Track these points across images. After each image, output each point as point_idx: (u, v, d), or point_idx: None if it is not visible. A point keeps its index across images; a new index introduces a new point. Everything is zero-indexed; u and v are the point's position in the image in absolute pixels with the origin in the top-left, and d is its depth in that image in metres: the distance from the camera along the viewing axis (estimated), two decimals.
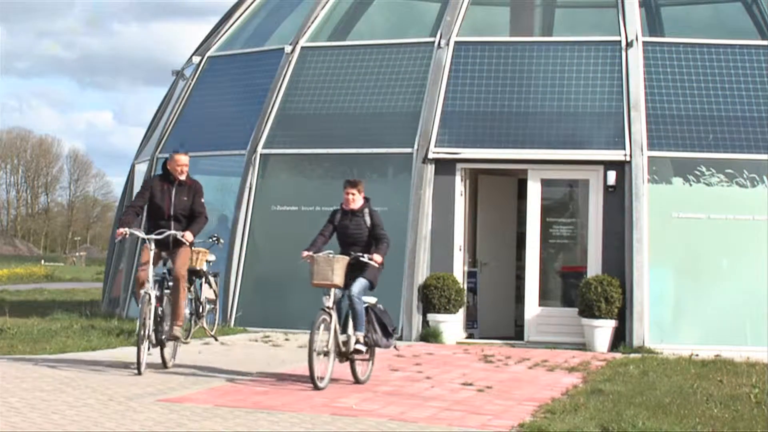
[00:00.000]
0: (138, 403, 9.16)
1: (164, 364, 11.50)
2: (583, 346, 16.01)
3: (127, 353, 12.67)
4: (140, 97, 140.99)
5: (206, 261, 14.93)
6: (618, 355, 15.08)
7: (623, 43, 17.27)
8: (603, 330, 15.93)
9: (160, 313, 11.25)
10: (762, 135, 16.55)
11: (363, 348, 10.84)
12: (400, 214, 16.90)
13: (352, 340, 10.78)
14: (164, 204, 11.50)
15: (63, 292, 29.62)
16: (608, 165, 16.58)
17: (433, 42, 17.81)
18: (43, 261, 62.37)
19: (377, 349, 11.24)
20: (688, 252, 16.40)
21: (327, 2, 19.06)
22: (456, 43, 17.70)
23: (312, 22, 18.84)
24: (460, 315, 16.85)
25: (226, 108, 19.18)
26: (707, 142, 16.53)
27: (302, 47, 18.52)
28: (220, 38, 20.33)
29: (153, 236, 11.27)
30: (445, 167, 17.00)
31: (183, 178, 11.59)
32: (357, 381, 10.86)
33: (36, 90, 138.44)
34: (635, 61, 17.08)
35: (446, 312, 16.40)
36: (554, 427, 8.46)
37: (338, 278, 10.62)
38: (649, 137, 16.57)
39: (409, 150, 17.09)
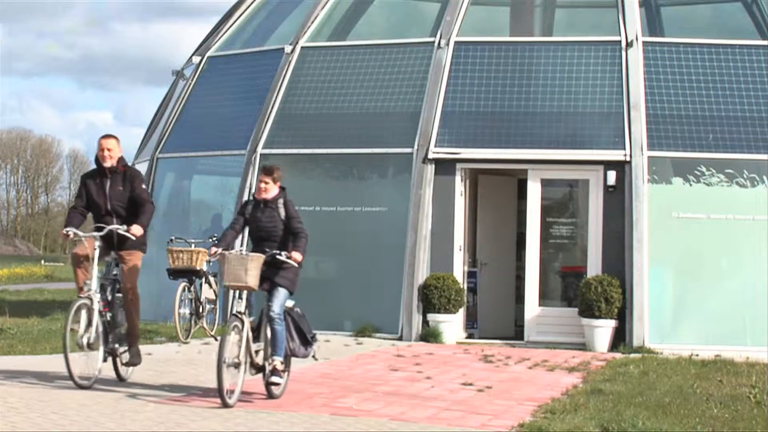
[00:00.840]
0: (138, 403, 9.16)
1: (119, 377, 10.41)
2: (583, 346, 16.01)
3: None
4: (140, 97, 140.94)
5: (206, 261, 14.95)
6: (618, 355, 15.08)
7: (623, 43, 17.26)
8: (603, 330, 15.93)
9: (108, 318, 10.08)
10: (762, 135, 16.54)
11: (280, 381, 9.70)
12: (400, 214, 16.91)
13: (268, 351, 9.69)
14: (100, 199, 10.27)
15: (63, 292, 29.60)
16: (608, 165, 16.58)
17: (433, 42, 17.81)
18: (43, 261, 62.33)
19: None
20: (688, 252, 16.40)
21: (327, 2, 19.05)
22: (456, 43, 17.69)
23: (312, 22, 18.83)
24: (460, 315, 16.85)
25: (226, 108, 19.17)
26: (707, 142, 16.53)
27: (302, 47, 18.52)
28: (220, 38, 20.32)
29: (94, 233, 10.08)
30: (445, 167, 17.00)
31: (109, 164, 10.26)
32: (271, 397, 9.75)
33: (36, 90, 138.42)
34: (635, 61, 17.08)
35: (446, 312, 16.39)
36: (554, 427, 8.46)
37: (252, 279, 9.44)
38: (649, 137, 16.57)
39: (409, 150, 17.09)
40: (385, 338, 16.25)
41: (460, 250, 17.10)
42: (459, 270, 16.97)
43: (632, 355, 14.99)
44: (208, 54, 20.03)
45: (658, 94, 16.91)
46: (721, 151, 16.45)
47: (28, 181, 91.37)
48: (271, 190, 9.90)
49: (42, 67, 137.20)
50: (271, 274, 9.61)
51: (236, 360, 9.27)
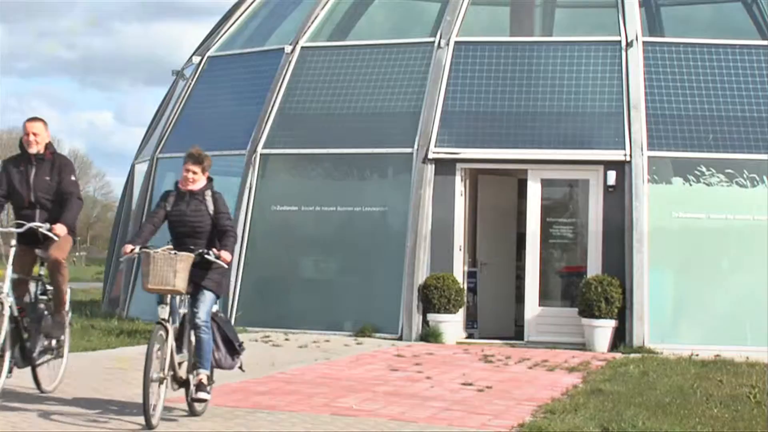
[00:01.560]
0: (137, 403, 9.15)
1: (39, 387, 9.27)
2: (583, 346, 16.00)
3: (128, 353, 12.68)
4: (140, 97, 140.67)
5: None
6: (618, 355, 15.07)
7: (623, 43, 17.26)
8: (603, 330, 15.93)
9: (25, 325, 8.91)
10: (762, 135, 16.54)
11: (207, 397, 8.58)
12: (400, 214, 16.91)
13: (191, 363, 8.61)
14: (23, 188, 9.14)
15: None
16: (608, 165, 16.57)
17: (433, 42, 17.81)
18: None
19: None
20: (688, 252, 16.40)
21: (327, 2, 19.06)
22: (456, 43, 17.70)
23: (312, 22, 18.83)
24: (460, 315, 16.85)
25: (226, 108, 19.18)
26: (707, 142, 16.53)
27: (302, 47, 18.52)
28: (220, 38, 20.33)
29: (12, 229, 8.95)
30: (445, 167, 17.00)
31: (35, 150, 9.19)
32: (193, 414, 8.65)
33: (36, 90, 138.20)
34: (635, 61, 17.08)
35: (446, 312, 16.39)
36: (554, 427, 8.46)
37: (181, 282, 8.28)
38: (649, 137, 16.57)
39: (409, 150, 17.09)
40: (385, 338, 16.25)
41: (460, 250, 17.10)
42: (459, 270, 16.97)
43: (632, 355, 14.99)
44: (208, 54, 20.04)
45: (658, 94, 16.92)
46: (721, 151, 16.45)
47: None
48: (199, 181, 8.75)
49: (42, 67, 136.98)
50: (195, 276, 8.50)
51: (161, 375, 8.17)
